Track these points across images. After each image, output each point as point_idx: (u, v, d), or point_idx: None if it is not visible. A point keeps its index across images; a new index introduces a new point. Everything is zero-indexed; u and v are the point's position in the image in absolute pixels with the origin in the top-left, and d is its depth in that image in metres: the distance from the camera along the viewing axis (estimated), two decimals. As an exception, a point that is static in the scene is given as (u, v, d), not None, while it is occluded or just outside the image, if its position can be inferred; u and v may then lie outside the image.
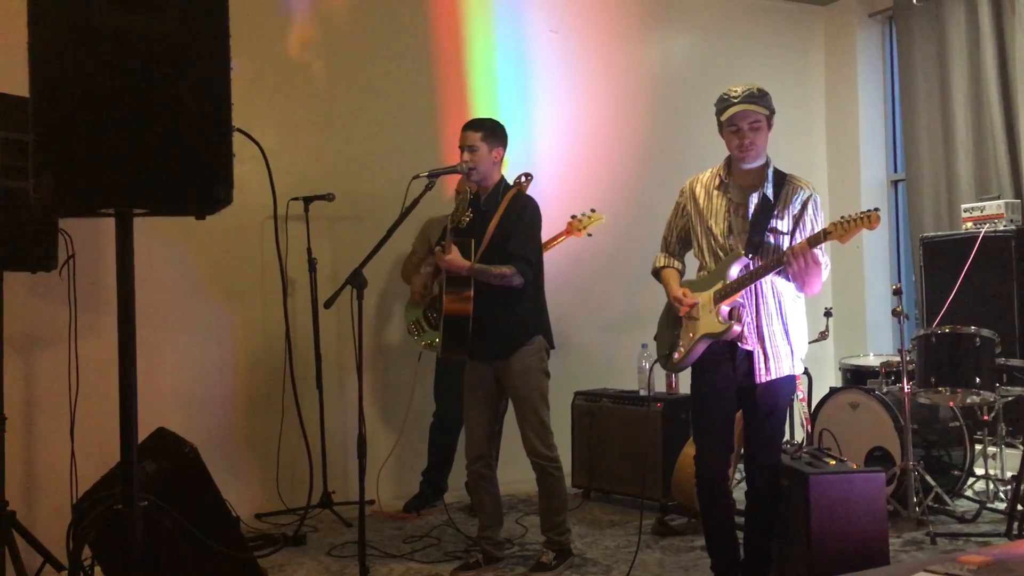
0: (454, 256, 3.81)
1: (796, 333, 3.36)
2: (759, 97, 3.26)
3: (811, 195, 3.34)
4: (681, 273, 3.55)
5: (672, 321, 3.47)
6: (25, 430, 4.23)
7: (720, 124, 3.32)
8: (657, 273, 3.58)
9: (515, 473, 4.74)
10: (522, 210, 3.90)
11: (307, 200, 4.98)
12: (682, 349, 3.38)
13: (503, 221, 3.88)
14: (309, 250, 4.98)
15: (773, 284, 3.31)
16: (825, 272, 3.26)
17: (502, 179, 3.99)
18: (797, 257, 3.11)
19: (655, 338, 3.59)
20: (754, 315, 3.30)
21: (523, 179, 4.04)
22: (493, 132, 3.95)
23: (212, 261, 4.93)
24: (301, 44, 5.29)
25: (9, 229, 3.41)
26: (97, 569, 3.25)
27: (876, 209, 3.05)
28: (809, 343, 3.51)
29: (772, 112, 3.29)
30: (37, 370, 4.28)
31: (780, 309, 3.32)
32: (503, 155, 3.99)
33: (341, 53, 5.39)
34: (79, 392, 3.96)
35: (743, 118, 3.24)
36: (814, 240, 3.13)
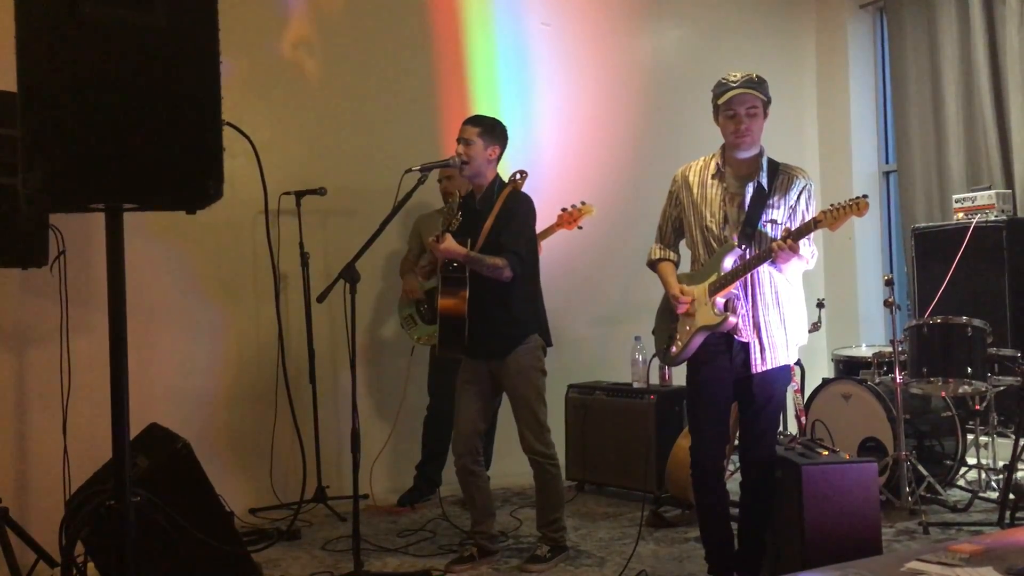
0: (449, 243, 3.80)
1: (793, 322, 3.36)
2: (757, 84, 3.25)
3: (806, 184, 3.34)
4: (677, 264, 3.55)
5: (670, 315, 3.47)
6: (17, 426, 4.21)
7: (716, 109, 3.31)
8: (653, 265, 3.58)
9: (510, 467, 4.75)
10: (514, 208, 3.89)
11: (299, 195, 4.97)
12: (679, 342, 3.38)
13: (498, 220, 3.87)
14: (301, 244, 4.96)
15: (770, 274, 3.31)
16: (812, 260, 3.29)
17: (497, 177, 3.98)
18: (783, 249, 3.12)
19: (653, 332, 3.60)
20: (750, 306, 3.30)
21: (518, 176, 4.03)
22: (491, 130, 3.93)
23: (203, 256, 4.92)
24: (293, 38, 5.27)
25: (-1, 225, 3.40)
26: (90, 565, 3.24)
27: (865, 196, 3.07)
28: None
29: (769, 100, 3.29)
30: (29, 366, 4.26)
31: (777, 299, 3.32)
32: (499, 154, 3.97)
33: (332, 47, 5.37)
34: (71, 388, 3.94)
35: (741, 103, 3.23)
36: (804, 229, 3.14)
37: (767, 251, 3.18)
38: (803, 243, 3.18)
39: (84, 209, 2.17)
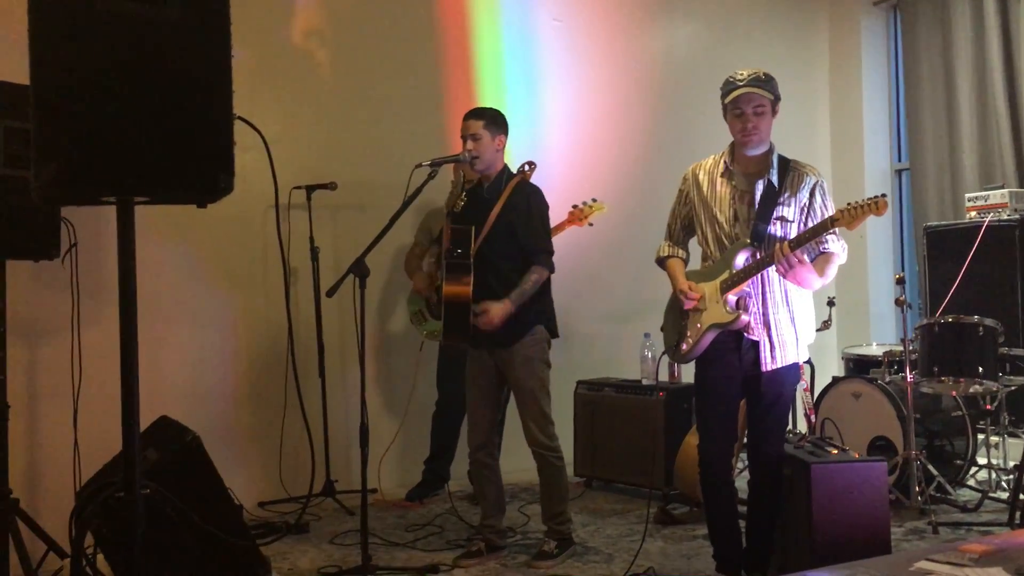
0: (494, 312, 3.77)
1: (802, 320, 3.35)
2: (765, 82, 3.24)
3: (818, 181, 3.32)
4: (686, 261, 3.54)
5: (679, 312, 3.46)
6: (28, 418, 4.23)
7: (724, 107, 3.30)
8: (662, 262, 3.57)
9: (517, 462, 4.74)
10: (528, 201, 3.90)
11: (309, 189, 4.97)
12: (690, 340, 3.37)
13: (506, 209, 3.89)
14: (311, 239, 4.97)
15: None
16: (843, 256, 3.28)
17: (505, 167, 3.99)
18: (779, 259, 3.11)
19: (662, 329, 3.58)
20: (760, 304, 3.29)
21: (527, 167, 4.04)
22: (495, 120, 3.95)
23: (214, 250, 4.92)
24: (304, 32, 5.28)
25: (12, 217, 3.40)
26: (100, 556, 3.26)
27: (884, 195, 3.03)
28: (816, 330, 3.50)
29: (777, 98, 3.27)
30: (40, 359, 4.28)
31: (786, 297, 3.31)
32: (505, 143, 4.00)
33: (344, 42, 5.37)
34: (82, 380, 3.96)
35: (747, 101, 3.22)
36: (820, 228, 3.12)
37: (768, 257, 3.16)
38: (831, 238, 3.18)
39: (96, 202, 2.18)
